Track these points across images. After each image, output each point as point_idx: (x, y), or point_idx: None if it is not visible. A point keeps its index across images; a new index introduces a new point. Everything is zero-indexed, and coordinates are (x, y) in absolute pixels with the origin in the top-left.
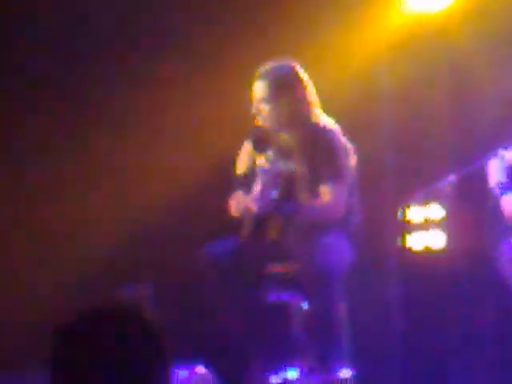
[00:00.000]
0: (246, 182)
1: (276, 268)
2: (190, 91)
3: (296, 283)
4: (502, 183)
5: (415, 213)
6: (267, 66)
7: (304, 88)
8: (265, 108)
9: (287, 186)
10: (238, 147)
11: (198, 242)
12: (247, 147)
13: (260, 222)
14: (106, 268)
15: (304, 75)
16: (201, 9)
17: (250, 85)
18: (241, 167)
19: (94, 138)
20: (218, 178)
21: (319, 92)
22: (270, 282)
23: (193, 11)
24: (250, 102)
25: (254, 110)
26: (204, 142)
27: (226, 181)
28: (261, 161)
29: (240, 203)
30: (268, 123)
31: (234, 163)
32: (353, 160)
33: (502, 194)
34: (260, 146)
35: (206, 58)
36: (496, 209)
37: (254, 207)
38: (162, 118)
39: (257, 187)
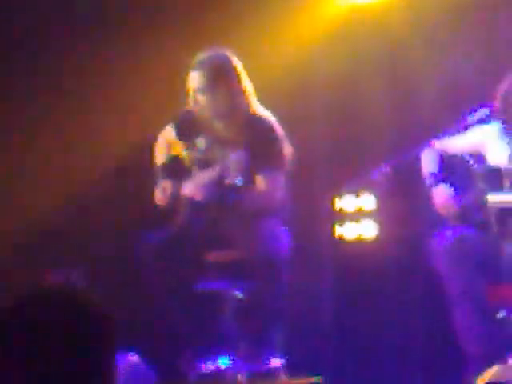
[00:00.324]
0: (171, 170)
1: (214, 256)
2: (115, 76)
3: (235, 271)
4: (434, 174)
5: (347, 202)
6: (203, 55)
7: (240, 78)
8: (202, 98)
9: (225, 174)
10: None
11: (129, 229)
12: (168, 133)
13: (198, 208)
14: (34, 254)
15: (239, 65)
16: None
17: (177, 74)
18: (162, 156)
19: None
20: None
21: (255, 82)
22: (208, 269)
23: None
24: (185, 90)
25: (190, 100)
26: (126, 130)
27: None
28: (190, 149)
29: (169, 192)
30: (205, 113)
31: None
32: (288, 150)
33: (433, 186)
34: (188, 133)
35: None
36: (428, 200)
37: (201, 194)
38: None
39: (203, 175)
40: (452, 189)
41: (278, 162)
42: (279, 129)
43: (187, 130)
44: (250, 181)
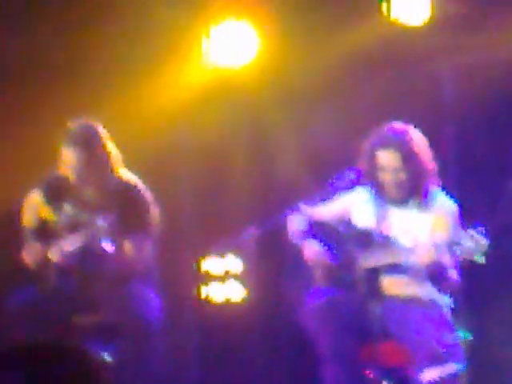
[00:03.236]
0: (39, 233)
1: (83, 319)
2: None
3: (103, 334)
4: (302, 232)
5: (213, 264)
6: (74, 130)
7: (105, 146)
8: (70, 164)
9: (92, 239)
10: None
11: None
12: (35, 197)
13: (65, 273)
14: None
15: (105, 134)
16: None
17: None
18: (30, 219)
19: None
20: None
21: (122, 145)
22: (76, 333)
23: None
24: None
25: (73, 172)
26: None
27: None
28: (57, 212)
29: (37, 255)
30: (73, 178)
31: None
32: (155, 214)
33: (302, 241)
34: (56, 197)
35: None
36: (297, 259)
37: (63, 259)
38: None
39: (61, 239)
40: (321, 244)
41: (144, 227)
42: (147, 193)
43: (55, 194)
44: (117, 245)
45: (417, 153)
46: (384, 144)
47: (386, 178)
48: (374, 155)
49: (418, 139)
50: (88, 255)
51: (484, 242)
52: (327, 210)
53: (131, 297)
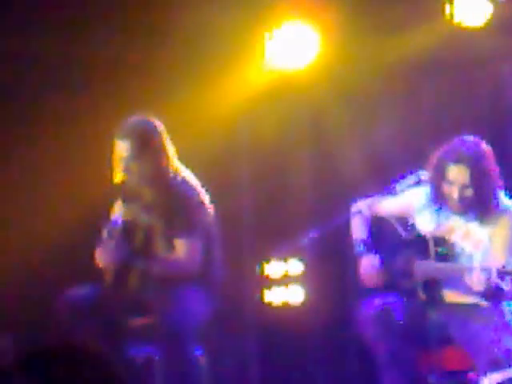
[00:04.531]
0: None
1: (135, 322)
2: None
3: (150, 335)
4: (362, 241)
5: (274, 268)
6: (129, 123)
7: (164, 143)
8: (131, 165)
9: (145, 240)
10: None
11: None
12: (118, 200)
13: (120, 273)
14: None
15: (163, 131)
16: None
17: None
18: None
19: None
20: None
21: (181, 145)
22: (130, 335)
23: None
24: (112, 157)
25: (122, 167)
26: (75, 193)
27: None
28: (121, 213)
29: (105, 254)
30: (135, 179)
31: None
32: (210, 215)
33: (361, 255)
34: (125, 199)
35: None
36: (356, 267)
37: (112, 258)
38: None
39: (112, 241)
40: (378, 258)
41: (193, 229)
42: (201, 194)
43: (127, 196)
44: (170, 246)
45: (486, 171)
46: (455, 159)
47: (453, 192)
48: (443, 168)
49: (488, 155)
50: (137, 256)
51: None
52: (389, 206)
53: (173, 301)
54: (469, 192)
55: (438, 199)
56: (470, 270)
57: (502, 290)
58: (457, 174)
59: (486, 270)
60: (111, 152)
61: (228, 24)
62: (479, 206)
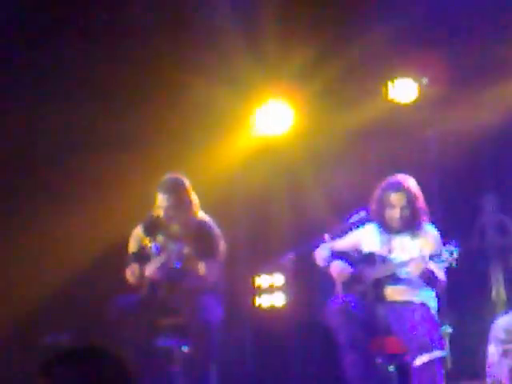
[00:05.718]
0: (138, 257)
1: (166, 320)
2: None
3: (181, 332)
4: (327, 257)
5: (263, 280)
6: (164, 178)
7: (189, 193)
8: (163, 208)
9: (168, 260)
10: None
11: (105, 299)
12: (138, 230)
13: (155, 285)
14: (30, 319)
15: (189, 184)
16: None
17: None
18: (133, 246)
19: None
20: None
21: (196, 193)
22: (162, 330)
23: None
24: (153, 202)
25: (156, 209)
26: (108, 229)
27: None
28: (153, 242)
29: (136, 272)
30: (165, 217)
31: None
32: (222, 243)
33: (329, 263)
34: (152, 231)
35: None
36: (324, 275)
37: (155, 275)
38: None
39: (156, 261)
40: (344, 263)
41: (214, 254)
42: (216, 229)
43: (151, 228)
44: (194, 266)
45: (417, 196)
46: (394, 188)
47: (394, 213)
48: (386, 196)
49: (415, 185)
50: (170, 272)
51: (456, 253)
52: (344, 242)
53: (201, 306)
54: (407, 212)
55: (381, 222)
56: (409, 260)
57: (433, 273)
58: (397, 199)
59: (421, 257)
60: (154, 201)
61: (224, 102)
62: (413, 221)
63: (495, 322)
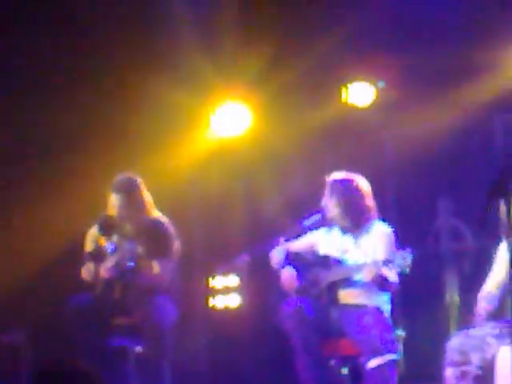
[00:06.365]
0: (94, 256)
1: (119, 320)
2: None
3: (134, 332)
4: (281, 260)
5: (218, 281)
6: (117, 178)
7: (142, 192)
8: (117, 208)
9: (122, 259)
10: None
11: (61, 297)
12: (93, 230)
13: (109, 284)
14: None
15: (142, 184)
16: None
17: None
18: (88, 246)
19: None
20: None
21: (152, 193)
22: (115, 330)
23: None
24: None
25: (110, 208)
26: (62, 230)
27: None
28: (108, 241)
29: (91, 271)
30: (119, 217)
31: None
32: (176, 243)
33: (281, 268)
34: (106, 230)
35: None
36: (277, 278)
37: (107, 274)
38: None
39: (110, 260)
40: (294, 271)
41: (167, 253)
42: (171, 228)
43: (107, 228)
44: (147, 266)
45: (361, 194)
46: (331, 190)
47: (332, 214)
48: (325, 199)
49: (359, 184)
50: (123, 272)
51: (409, 259)
52: (300, 243)
53: (154, 306)
54: (346, 211)
55: (332, 224)
56: (363, 265)
57: (386, 279)
58: (331, 200)
59: (374, 262)
60: (106, 201)
61: (182, 103)
62: (357, 221)
63: (447, 343)
